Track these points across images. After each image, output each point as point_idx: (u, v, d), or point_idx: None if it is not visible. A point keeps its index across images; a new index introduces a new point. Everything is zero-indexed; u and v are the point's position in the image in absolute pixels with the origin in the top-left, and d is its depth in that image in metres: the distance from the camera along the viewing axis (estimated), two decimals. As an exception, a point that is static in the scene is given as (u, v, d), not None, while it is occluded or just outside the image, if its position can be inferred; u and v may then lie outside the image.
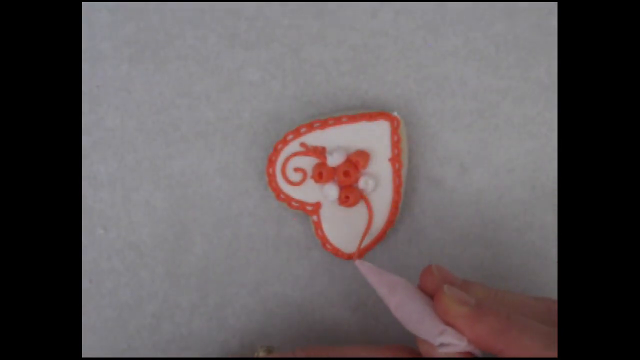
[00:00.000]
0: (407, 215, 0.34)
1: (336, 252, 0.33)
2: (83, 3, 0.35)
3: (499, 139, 0.34)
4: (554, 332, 0.24)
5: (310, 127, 0.33)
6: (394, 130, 0.33)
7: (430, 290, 0.27)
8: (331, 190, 0.32)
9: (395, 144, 0.33)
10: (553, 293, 0.33)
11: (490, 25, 0.35)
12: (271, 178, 0.33)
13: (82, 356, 0.26)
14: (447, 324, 0.26)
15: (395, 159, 0.33)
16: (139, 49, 0.35)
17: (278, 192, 0.33)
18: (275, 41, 0.35)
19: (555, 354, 0.23)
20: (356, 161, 0.32)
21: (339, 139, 0.33)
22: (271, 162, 0.33)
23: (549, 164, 0.34)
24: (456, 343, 0.25)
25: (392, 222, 0.33)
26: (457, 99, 0.34)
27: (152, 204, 0.34)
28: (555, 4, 0.34)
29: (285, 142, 0.33)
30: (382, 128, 0.33)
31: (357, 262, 0.29)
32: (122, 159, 0.35)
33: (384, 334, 0.34)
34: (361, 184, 0.32)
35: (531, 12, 0.35)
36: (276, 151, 0.33)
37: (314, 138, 0.33)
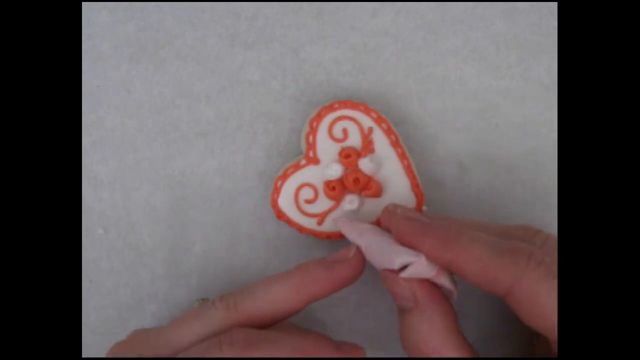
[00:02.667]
0: (407, 215, 0.34)
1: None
2: (83, 3, 0.35)
3: (499, 139, 0.34)
4: (505, 242, 0.24)
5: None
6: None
7: (389, 225, 0.28)
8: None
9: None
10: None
11: (490, 25, 0.35)
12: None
13: (82, 356, 0.26)
14: (401, 241, 0.26)
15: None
16: (139, 49, 0.35)
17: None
18: (275, 41, 0.35)
19: (499, 260, 0.24)
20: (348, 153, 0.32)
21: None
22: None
23: (549, 164, 0.34)
24: (412, 260, 0.26)
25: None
26: (457, 99, 0.34)
27: (152, 204, 0.34)
28: (555, 4, 0.34)
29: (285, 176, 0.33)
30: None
31: (333, 220, 0.31)
32: (122, 159, 0.35)
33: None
34: (360, 165, 0.32)
35: (531, 12, 0.35)
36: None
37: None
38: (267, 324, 0.27)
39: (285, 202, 0.32)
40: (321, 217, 0.32)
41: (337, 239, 0.32)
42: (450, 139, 0.34)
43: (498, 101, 0.34)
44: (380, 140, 0.32)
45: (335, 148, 0.32)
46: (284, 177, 0.32)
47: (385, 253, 0.27)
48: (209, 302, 0.28)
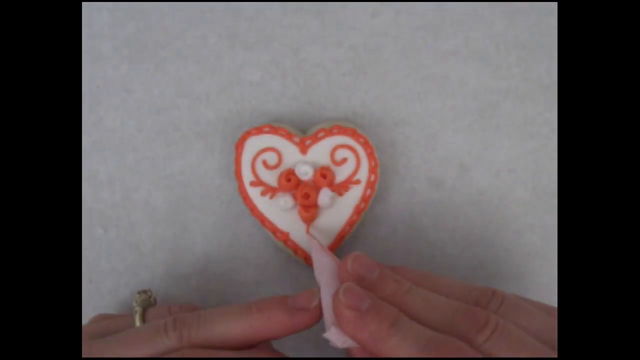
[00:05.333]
0: (407, 215, 0.34)
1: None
2: (83, 3, 0.35)
3: (499, 139, 0.34)
4: (440, 338, 0.24)
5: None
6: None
7: (342, 282, 0.28)
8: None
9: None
10: (553, 293, 0.33)
11: (490, 25, 0.35)
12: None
13: (82, 356, 0.26)
14: (338, 324, 0.26)
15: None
16: (139, 49, 0.35)
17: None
18: (275, 41, 0.35)
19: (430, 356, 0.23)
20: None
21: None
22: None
23: (550, 164, 0.34)
24: (336, 343, 0.26)
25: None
26: (457, 99, 0.34)
27: (152, 204, 0.34)
28: (555, 4, 0.34)
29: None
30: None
31: (309, 236, 0.31)
32: (122, 159, 0.35)
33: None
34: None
35: (531, 12, 0.34)
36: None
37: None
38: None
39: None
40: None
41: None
42: (450, 139, 0.34)
43: (498, 101, 0.34)
44: (356, 190, 0.32)
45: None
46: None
47: (324, 313, 0.27)
48: (160, 326, 0.27)
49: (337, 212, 0.32)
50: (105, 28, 0.35)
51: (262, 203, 0.33)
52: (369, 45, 0.35)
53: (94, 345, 0.27)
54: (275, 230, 0.33)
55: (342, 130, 0.33)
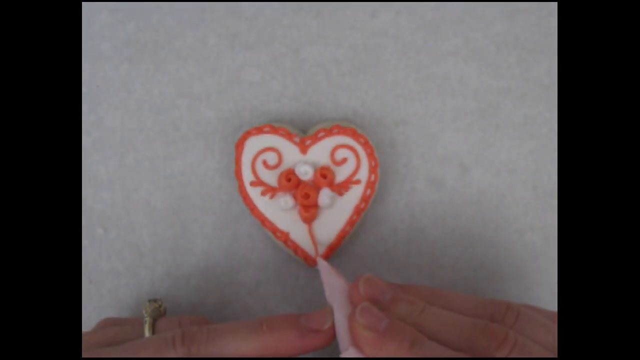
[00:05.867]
0: (407, 215, 0.34)
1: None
2: (83, 3, 0.35)
3: (500, 139, 0.34)
4: (458, 357, 0.24)
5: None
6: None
7: (355, 304, 0.27)
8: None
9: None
10: (553, 293, 0.33)
11: (490, 25, 0.35)
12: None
13: (82, 356, 0.26)
14: (356, 345, 0.26)
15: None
16: (139, 49, 0.35)
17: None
18: (275, 41, 0.35)
19: None
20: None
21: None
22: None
23: (550, 164, 0.34)
24: None
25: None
26: (457, 99, 0.34)
27: (152, 204, 0.34)
28: (555, 4, 0.34)
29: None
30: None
31: (318, 260, 0.30)
32: (122, 159, 0.35)
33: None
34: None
35: (531, 12, 0.34)
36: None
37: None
38: None
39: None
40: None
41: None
42: (450, 139, 0.34)
43: (498, 101, 0.34)
44: (356, 190, 0.32)
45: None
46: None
47: (339, 335, 0.27)
48: (168, 339, 0.27)
49: (337, 212, 0.32)
50: (105, 28, 0.35)
51: (262, 203, 0.33)
52: (369, 45, 0.35)
53: (102, 354, 0.27)
54: (275, 230, 0.33)
55: (343, 130, 0.33)
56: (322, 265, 0.30)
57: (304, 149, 0.33)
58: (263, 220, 0.33)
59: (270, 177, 0.33)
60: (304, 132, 0.33)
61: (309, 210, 0.32)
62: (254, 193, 0.33)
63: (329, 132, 0.33)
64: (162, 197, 0.34)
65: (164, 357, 0.26)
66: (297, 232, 0.33)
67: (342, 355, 0.26)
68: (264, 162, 0.33)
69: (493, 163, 0.34)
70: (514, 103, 0.34)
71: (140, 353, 0.26)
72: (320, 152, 0.33)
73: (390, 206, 0.34)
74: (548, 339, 0.25)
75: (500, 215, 0.34)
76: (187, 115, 0.35)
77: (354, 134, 0.33)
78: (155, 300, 0.31)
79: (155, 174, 0.35)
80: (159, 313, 0.30)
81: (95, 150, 0.35)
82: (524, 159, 0.34)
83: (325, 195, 0.32)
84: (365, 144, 0.33)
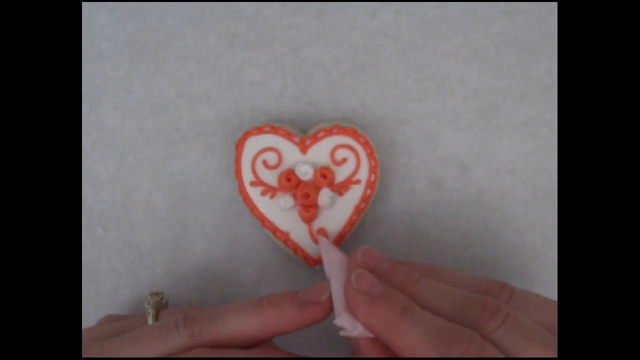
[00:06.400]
0: (407, 215, 0.34)
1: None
2: (83, 3, 0.35)
3: (499, 139, 0.34)
4: (450, 327, 0.24)
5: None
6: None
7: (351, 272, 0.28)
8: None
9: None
10: (553, 293, 0.33)
11: (490, 25, 0.35)
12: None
13: (82, 356, 0.26)
14: (350, 310, 0.26)
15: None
16: (139, 49, 0.35)
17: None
18: (275, 41, 0.35)
19: (437, 354, 0.23)
20: (323, 174, 0.32)
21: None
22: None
23: (550, 164, 0.34)
24: (348, 329, 0.26)
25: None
26: (457, 99, 0.34)
27: (152, 204, 0.34)
28: (555, 4, 0.34)
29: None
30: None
31: (319, 237, 0.31)
32: (122, 159, 0.35)
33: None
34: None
35: (531, 12, 0.34)
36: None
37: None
38: (230, 348, 0.27)
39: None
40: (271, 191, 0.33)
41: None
42: (450, 139, 0.34)
43: (498, 101, 0.34)
44: (356, 190, 0.32)
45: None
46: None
47: (335, 303, 0.27)
48: (171, 324, 0.27)
49: (337, 212, 0.32)
50: (105, 28, 0.35)
51: (262, 203, 0.33)
52: (369, 45, 0.35)
53: (105, 345, 0.27)
54: (275, 230, 0.33)
55: (342, 130, 0.33)
56: (323, 242, 0.30)
57: (303, 149, 0.33)
58: (263, 220, 0.33)
59: (270, 177, 0.33)
60: (304, 132, 0.33)
61: (309, 210, 0.32)
62: (254, 193, 0.33)
63: (329, 132, 0.33)
64: (162, 197, 0.34)
65: (168, 341, 0.26)
66: (297, 232, 0.33)
67: (336, 321, 0.27)
68: (264, 162, 0.33)
69: (493, 163, 0.34)
70: (514, 103, 0.34)
71: (144, 339, 0.27)
72: (320, 152, 0.33)
73: (390, 206, 0.34)
74: (541, 317, 0.25)
75: (500, 215, 0.34)
76: (187, 115, 0.35)
77: (354, 134, 0.33)
78: (157, 293, 0.31)
79: (155, 174, 0.35)
80: (162, 305, 0.31)
81: (95, 150, 0.35)
82: (524, 159, 0.34)
83: (325, 195, 0.32)
84: (365, 144, 0.33)
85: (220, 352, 0.26)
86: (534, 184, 0.34)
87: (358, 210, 0.33)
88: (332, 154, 0.32)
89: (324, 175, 0.32)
